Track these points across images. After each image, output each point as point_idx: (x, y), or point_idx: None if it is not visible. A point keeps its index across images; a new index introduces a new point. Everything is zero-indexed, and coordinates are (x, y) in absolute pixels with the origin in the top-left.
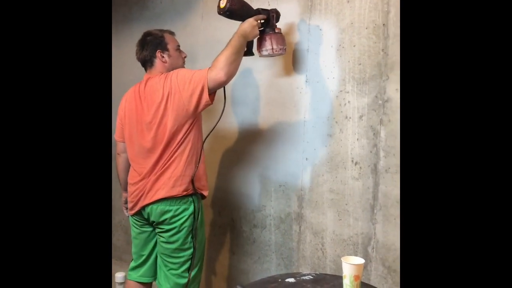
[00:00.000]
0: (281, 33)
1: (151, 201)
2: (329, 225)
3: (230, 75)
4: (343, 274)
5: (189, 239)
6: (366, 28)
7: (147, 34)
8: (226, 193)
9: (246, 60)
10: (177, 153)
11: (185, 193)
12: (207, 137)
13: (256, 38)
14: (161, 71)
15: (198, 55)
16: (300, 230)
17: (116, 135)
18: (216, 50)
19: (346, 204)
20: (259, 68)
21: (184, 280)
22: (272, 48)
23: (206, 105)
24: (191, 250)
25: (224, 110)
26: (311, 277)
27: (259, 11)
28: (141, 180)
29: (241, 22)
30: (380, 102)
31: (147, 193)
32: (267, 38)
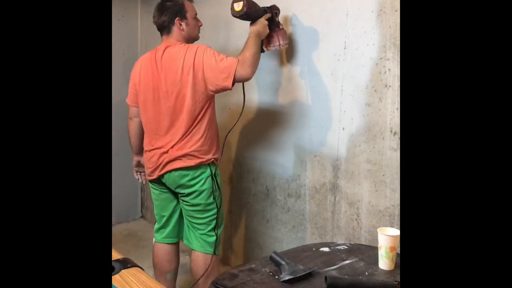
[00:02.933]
0: (284, 28)
1: (168, 169)
2: (365, 196)
3: (254, 73)
4: (379, 245)
5: (211, 199)
6: None
7: (166, 0)
8: (260, 161)
9: (282, 24)
10: (195, 129)
11: (201, 163)
12: (228, 132)
13: None
14: (178, 39)
15: (219, 25)
16: (335, 200)
17: (128, 99)
18: (237, 20)
19: (383, 175)
20: (296, 33)
21: (213, 239)
22: (279, 44)
23: (224, 90)
24: (215, 210)
25: (244, 108)
26: (346, 247)
27: (265, 10)
28: (157, 149)
29: (250, 22)
30: None
31: (165, 164)
32: (274, 35)
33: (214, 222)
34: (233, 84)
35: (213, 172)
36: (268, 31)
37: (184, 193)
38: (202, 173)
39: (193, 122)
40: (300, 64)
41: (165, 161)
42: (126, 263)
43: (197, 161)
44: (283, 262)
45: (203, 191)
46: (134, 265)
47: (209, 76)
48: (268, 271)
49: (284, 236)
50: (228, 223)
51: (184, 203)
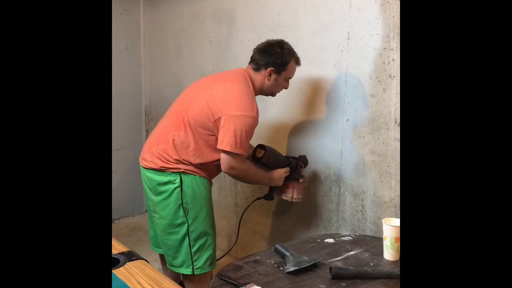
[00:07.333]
0: (304, 183)
1: (141, 165)
2: (369, 187)
3: (232, 176)
4: (384, 236)
5: (181, 213)
6: None
7: (279, 45)
8: None
9: (285, 16)
10: (180, 141)
11: (168, 170)
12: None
13: None
14: (255, 82)
15: (222, 18)
16: (339, 192)
17: None
18: (254, 10)
19: (388, 166)
20: (298, 25)
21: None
22: (292, 197)
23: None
24: (186, 224)
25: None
26: (351, 238)
27: (289, 161)
28: (149, 139)
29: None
30: None
31: (143, 155)
32: (290, 186)
33: (187, 238)
34: (220, 148)
35: (185, 182)
36: (281, 184)
37: (153, 200)
38: (169, 181)
39: (184, 133)
40: (303, 55)
41: (143, 153)
42: (131, 256)
43: (164, 165)
44: (288, 254)
45: (169, 203)
46: (139, 258)
47: (213, 127)
48: (273, 262)
49: (288, 228)
50: (234, 216)
51: (156, 214)
